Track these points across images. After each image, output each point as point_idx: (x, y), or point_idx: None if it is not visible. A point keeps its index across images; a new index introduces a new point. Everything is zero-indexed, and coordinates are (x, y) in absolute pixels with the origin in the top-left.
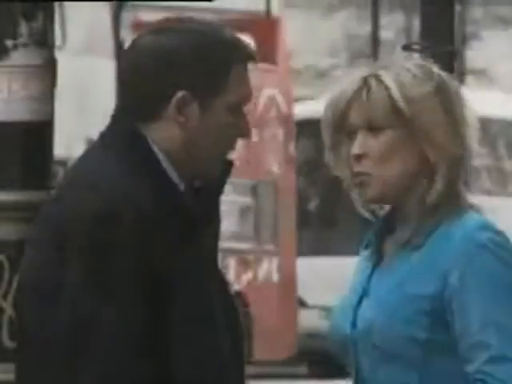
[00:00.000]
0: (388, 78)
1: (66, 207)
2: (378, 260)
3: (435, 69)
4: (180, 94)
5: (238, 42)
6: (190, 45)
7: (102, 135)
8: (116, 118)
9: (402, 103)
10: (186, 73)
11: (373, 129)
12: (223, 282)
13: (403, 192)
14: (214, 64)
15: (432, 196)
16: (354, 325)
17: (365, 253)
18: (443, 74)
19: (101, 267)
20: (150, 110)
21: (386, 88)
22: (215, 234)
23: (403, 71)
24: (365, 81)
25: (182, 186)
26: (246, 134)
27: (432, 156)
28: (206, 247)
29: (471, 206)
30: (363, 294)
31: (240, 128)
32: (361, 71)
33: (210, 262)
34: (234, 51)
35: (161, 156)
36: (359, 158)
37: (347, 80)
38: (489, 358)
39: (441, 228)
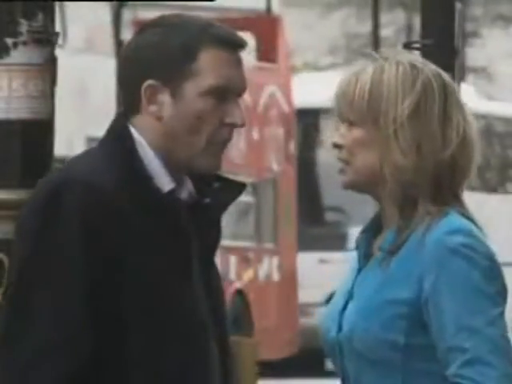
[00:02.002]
0: (366, 76)
1: (31, 196)
2: (365, 263)
3: (429, 70)
4: (147, 82)
5: (209, 26)
6: (159, 35)
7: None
8: (118, 111)
9: (363, 103)
10: (152, 61)
11: (348, 122)
12: (213, 287)
13: (374, 185)
14: (177, 48)
15: (389, 197)
16: (339, 328)
17: (355, 254)
18: (436, 75)
19: (39, 252)
20: (131, 102)
21: (358, 85)
22: (211, 240)
23: (390, 68)
24: (353, 73)
25: (168, 186)
26: (234, 121)
27: (393, 157)
28: (184, 249)
29: (459, 207)
30: (349, 297)
31: (226, 114)
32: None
33: (203, 262)
34: (202, 34)
35: (147, 151)
36: (336, 147)
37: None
38: (464, 361)
39: (417, 232)
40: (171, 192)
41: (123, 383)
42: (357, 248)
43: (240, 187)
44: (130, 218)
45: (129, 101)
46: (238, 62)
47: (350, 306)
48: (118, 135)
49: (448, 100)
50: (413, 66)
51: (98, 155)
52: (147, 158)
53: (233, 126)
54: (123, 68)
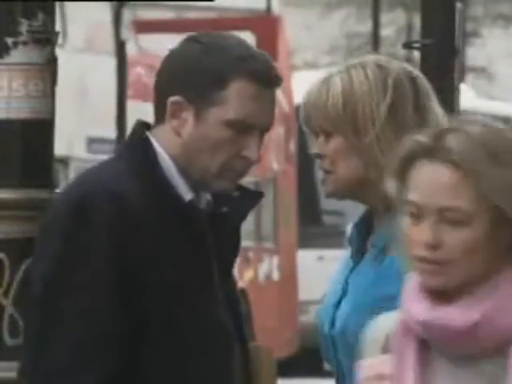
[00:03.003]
0: (336, 87)
1: (52, 203)
2: (358, 259)
3: (396, 68)
4: (174, 98)
5: (249, 57)
6: (196, 52)
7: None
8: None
9: (339, 114)
10: (183, 78)
11: (325, 132)
12: (232, 297)
13: (359, 190)
14: (209, 72)
15: (379, 198)
16: (332, 324)
17: (349, 250)
18: (404, 71)
19: (64, 260)
20: (158, 111)
21: (329, 98)
22: (232, 247)
23: (358, 74)
24: (321, 84)
25: (188, 195)
26: (250, 156)
27: (377, 160)
28: (205, 254)
29: None
30: (342, 294)
31: (244, 147)
32: (336, 68)
33: (221, 272)
34: (238, 63)
35: (168, 162)
36: (318, 156)
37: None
38: None
39: None
40: (192, 201)
41: None
42: (350, 243)
43: (257, 196)
44: (153, 227)
45: (157, 109)
46: (270, 99)
47: (343, 302)
48: (140, 146)
49: (420, 92)
50: (379, 67)
51: (121, 166)
52: (167, 169)
53: (247, 160)
54: (158, 76)
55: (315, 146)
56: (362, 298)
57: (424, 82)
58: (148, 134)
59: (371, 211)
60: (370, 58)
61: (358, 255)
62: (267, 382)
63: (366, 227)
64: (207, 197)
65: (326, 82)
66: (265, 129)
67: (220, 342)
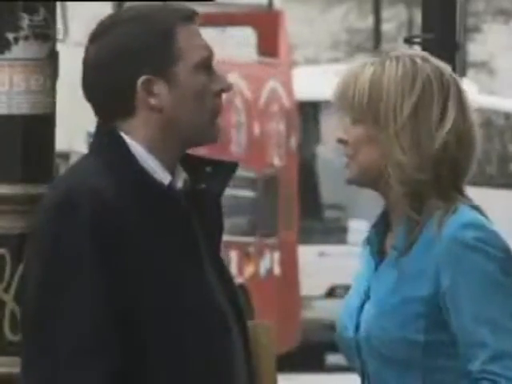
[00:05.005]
0: (364, 76)
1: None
2: (379, 260)
3: (429, 68)
4: (142, 78)
5: (170, 6)
6: (130, 31)
7: (92, 140)
8: (97, 120)
9: (363, 103)
10: (137, 57)
11: (351, 118)
12: (226, 278)
13: (378, 181)
14: (155, 37)
15: (395, 195)
16: (357, 328)
17: (366, 250)
18: (437, 73)
19: (53, 260)
20: (122, 104)
21: (356, 86)
22: (215, 232)
23: (390, 67)
24: (356, 70)
25: (166, 179)
26: (224, 87)
27: (394, 155)
28: (194, 242)
29: (467, 201)
30: (365, 297)
31: (216, 83)
32: (367, 58)
33: (209, 251)
34: (171, 15)
35: (140, 150)
36: (341, 141)
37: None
38: (489, 356)
39: (429, 229)
40: (170, 185)
41: (146, 379)
42: (368, 245)
43: (232, 167)
44: (136, 216)
45: (115, 107)
46: (199, 31)
47: (367, 305)
48: (111, 145)
49: (448, 99)
50: (413, 64)
51: (96, 163)
52: (141, 158)
53: (223, 92)
54: (100, 75)
55: (340, 130)
56: (384, 301)
57: (457, 89)
58: (115, 131)
59: (388, 210)
60: (409, 52)
61: (379, 256)
62: (265, 360)
63: (383, 227)
64: (183, 176)
65: (358, 71)
66: (213, 57)
67: (215, 321)
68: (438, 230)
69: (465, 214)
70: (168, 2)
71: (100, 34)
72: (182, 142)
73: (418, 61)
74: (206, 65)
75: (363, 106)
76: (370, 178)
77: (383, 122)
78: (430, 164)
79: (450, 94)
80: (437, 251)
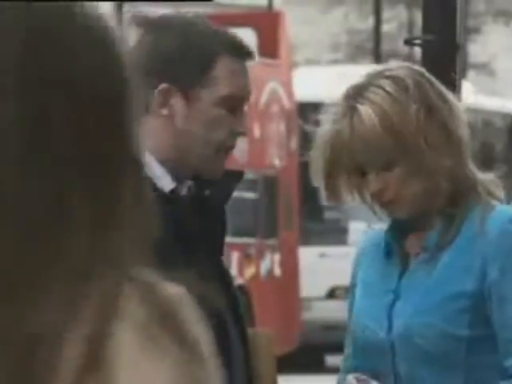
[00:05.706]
0: (369, 117)
1: None
2: (405, 263)
3: (405, 73)
4: (161, 86)
5: (226, 35)
6: (173, 38)
7: None
8: None
9: (387, 144)
10: (167, 65)
11: (378, 167)
12: (228, 283)
13: (429, 204)
14: (195, 54)
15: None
16: (389, 329)
17: (371, 251)
18: (414, 72)
19: None
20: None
21: (369, 126)
22: (218, 241)
23: (383, 97)
24: (349, 121)
25: (169, 186)
26: (244, 131)
27: (439, 163)
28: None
29: (498, 200)
30: (395, 298)
31: (237, 124)
32: (341, 104)
33: (211, 256)
34: (220, 43)
35: (146, 156)
36: (380, 191)
37: (330, 118)
38: None
39: (469, 224)
40: (174, 190)
41: None
42: (387, 247)
43: (238, 176)
44: None
45: None
46: (247, 71)
47: (400, 305)
48: None
49: (435, 84)
50: (393, 80)
51: None
52: (146, 163)
53: (241, 135)
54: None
55: (370, 185)
56: (426, 299)
57: (427, 74)
58: None
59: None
60: (373, 74)
61: (403, 260)
62: (265, 368)
63: (398, 232)
64: (188, 183)
65: (350, 117)
66: (248, 101)
67: (213, 325)
68: (480, 225)
69: (505, 209)
70: (228, 31)
71: (147, 30)
72: (185, 160)
73: (393, 74)
74: (232, 103)
75: (388, 147)
76: (420, 205)
77: (410, 143)
78: (465, 155)
79: (435, 82)
80: (482, 246)
